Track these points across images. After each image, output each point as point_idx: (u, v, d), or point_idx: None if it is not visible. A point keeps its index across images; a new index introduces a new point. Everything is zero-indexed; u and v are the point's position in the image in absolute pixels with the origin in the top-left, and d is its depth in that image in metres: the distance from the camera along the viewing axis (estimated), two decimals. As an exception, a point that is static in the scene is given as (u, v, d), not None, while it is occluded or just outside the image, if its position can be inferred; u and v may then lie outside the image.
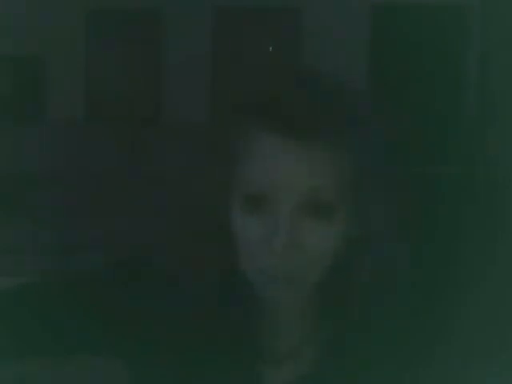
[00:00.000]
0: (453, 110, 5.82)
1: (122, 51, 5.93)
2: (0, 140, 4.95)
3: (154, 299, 0.81)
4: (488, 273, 3.39)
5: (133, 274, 0.82)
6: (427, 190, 4.52)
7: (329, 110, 0.69)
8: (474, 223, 4.34)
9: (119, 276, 0.82)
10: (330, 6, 5.70)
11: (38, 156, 5.01)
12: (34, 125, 5.41)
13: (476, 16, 5.59)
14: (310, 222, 0.69)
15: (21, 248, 4.37)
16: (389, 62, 5.81)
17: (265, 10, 5.80)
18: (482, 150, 5.16)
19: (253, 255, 0.71)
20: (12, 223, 4.52)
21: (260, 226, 0.70)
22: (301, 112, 0.68)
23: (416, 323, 0.81)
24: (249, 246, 0.71)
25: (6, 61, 5.69)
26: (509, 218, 4.28)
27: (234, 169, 0.72)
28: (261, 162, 0.70)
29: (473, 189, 4.83)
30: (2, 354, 0.81)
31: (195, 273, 0.78)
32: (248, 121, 0.71)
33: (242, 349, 0.79)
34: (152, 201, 4.48)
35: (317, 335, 0.79)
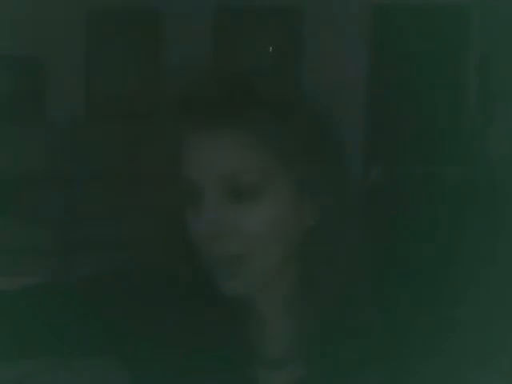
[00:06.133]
0: (448, 107, 5.83)
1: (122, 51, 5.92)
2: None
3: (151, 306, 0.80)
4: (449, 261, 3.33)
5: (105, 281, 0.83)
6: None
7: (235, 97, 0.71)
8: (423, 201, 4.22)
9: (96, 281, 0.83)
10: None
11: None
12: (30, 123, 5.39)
13: (476, 16, 5.59)
14: (237, 206, 0.71)
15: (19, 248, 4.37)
16: (388, 60, 5.81)
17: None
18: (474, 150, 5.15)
19: (203, 248, 0.73)
20: (11, 223, 4.51)
21: (196, 219, 0.72)
22: (205, 104, 0.71)
23: (398, 319, 0.82)
24: (198, 241, 0.73)
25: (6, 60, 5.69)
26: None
27: (176, 171, 0.74)
28: (186, 159, 0.73)
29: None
30: (2, 354, 0.81)
31: (174, 275, 0.78)
32: (168, 123, 0.75)
33: (233, 354, 0.78)
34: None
35: (306, 336, 0.78)
